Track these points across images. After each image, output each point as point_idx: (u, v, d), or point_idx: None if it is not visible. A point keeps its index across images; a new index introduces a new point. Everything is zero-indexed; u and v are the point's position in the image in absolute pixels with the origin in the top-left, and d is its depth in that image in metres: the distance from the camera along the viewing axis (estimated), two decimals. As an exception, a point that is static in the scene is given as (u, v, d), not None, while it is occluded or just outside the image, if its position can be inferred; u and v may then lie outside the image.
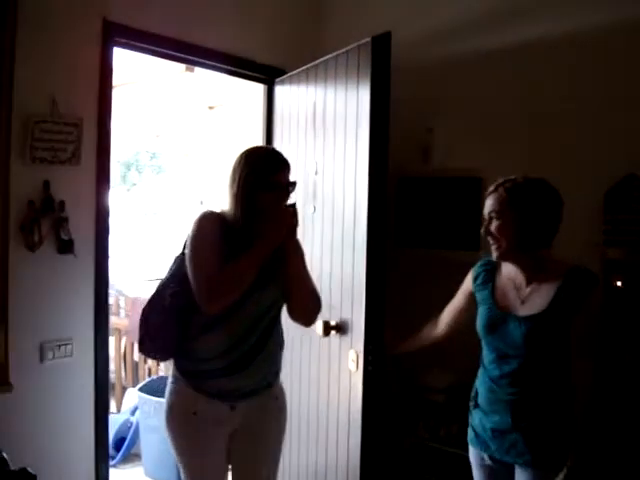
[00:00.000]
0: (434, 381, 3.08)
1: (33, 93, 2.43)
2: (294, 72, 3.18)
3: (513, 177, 2.07)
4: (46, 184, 2.49)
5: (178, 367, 2.17)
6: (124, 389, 4.88)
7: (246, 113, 3.90)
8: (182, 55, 3.05)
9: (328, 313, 2.35)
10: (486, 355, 2.16)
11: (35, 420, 2.52)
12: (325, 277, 2.28)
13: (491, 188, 2.10)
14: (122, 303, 5.48)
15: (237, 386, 2.11)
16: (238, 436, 2.20)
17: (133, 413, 4.25)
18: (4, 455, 1.88)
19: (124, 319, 5.23)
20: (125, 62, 4.01)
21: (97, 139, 2.67)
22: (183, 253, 2.15)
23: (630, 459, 2.47)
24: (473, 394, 2.22)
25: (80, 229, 2.61)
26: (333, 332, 2.74)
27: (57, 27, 2.49)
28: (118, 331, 5.02)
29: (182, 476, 2.22)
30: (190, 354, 2.13)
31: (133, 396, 4.37)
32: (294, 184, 2.15)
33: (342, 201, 2.75)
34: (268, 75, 3.42)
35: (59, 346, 2.58)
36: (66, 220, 2.54)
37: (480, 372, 2.20)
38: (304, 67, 3.06)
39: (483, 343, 2.17)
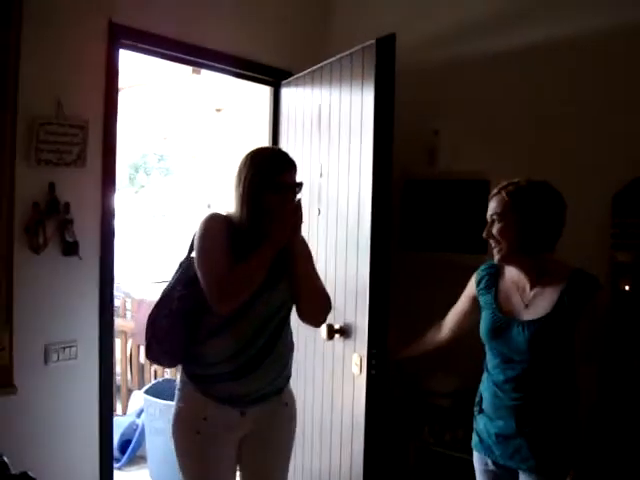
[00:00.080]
0: (439, 385, 3.06)
1: (38, 95, 2.43)
2: (300, 74, 3.18)
3: (516, 180, 2.06)
4: (51, 186, 2.49)
5: (186, 371, 2.15)
6: (130, 391, 4.88)
7: (253, 115, 3.89)
8: (188, 57, 3.05)
9: (332, 316, 2.35)
10: (490, 360, 2.14)
11: (39, 422, 2.52)
12: (329, 280, 2.27)
13: (494, 191, 2.09)
14: (129, 305, 5.48)
15: (247, 391, 2.09)
16: (248, 442, 2.18)
17: (139, 415, 4.24)
18: (4, 459, 1.87)
19: (130, 321, 5.23)
20: (133, 64, 4.03)
21: (103, 141, 2.67)
22: (188, 258, 2.15)
23: (635, 465, 2.45)
24: (478, 399, 2.20)
25: (85, 231, 2.61)
26: (337, 335, 2.73)
27: (62, 29, 2.49)
28: (124, 333, 5.01)
29: None
30: (198, 358, 2.11)
31: (139, 398, 4.36)
32: (300, 185, 2.13)
33: (346, 204, 2.73)
34: (274, 77, 3.41)
35: (64, 348, 2.58)
36: (71, 222, 2.54)
37: (484, 377, 2.18)
38: (309, 69, 3.06)
39: (487, 348, 2.15)
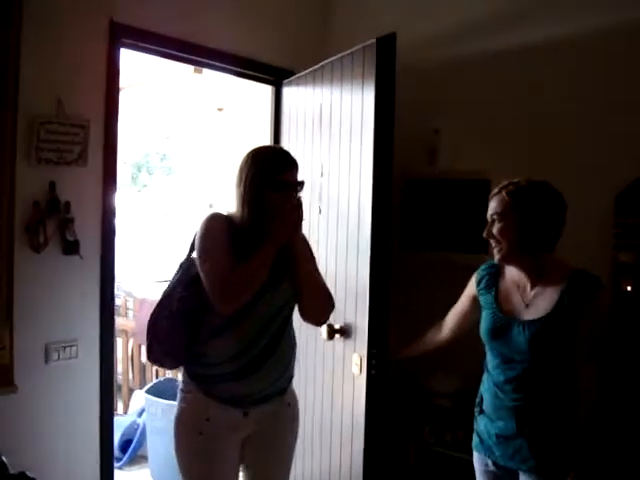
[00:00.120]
0: (440, 385, 3.06)
1: (39, 94, 2.43)
2: (301, 73, 3.17)
3: (517, 180, 2.06)
4: (52, 185, 2.49)
5: (188, 372, 2.14)
6: (131, 391, 4.88)
7: (254, 115, 3.89)
8: (189, 56, 3.05)
9: (332, 316, 2.34)
10: (490, 360, 2.14)
11: (40, 422, 2.52)
12: (330, 280, 2.27)
13: (494, 191, 2.09)
14: (130, 304, 5.48)
15: (249, 391, 2.08)
16: (251, 443, 2.17)
17: (140, 415, 4.24)
18: (3, 459, 1.87)
19: (132, 320, 5.23)
20: (135, 63, 4.02)
21: (104, 140, 2.67)
22: (188, 258, 2.14)
23: (635, 465, 2.44)
24: (478, 400, 2.20)
25: (86, 230, 2.61)
26: (337, 335, 2.72)
27: (63, 28, 2.49)
28: (125, 332, 5.01)
29: None
30: (200, 358, 2.09)
31: (140, 398, 4.36)
32: (302, 184, 2.11)
33: (347, 203, 2.73)
34: (276, 76, 3.41)
35: (64, 347, 2.57)
36: (72, 221, 2.54)
37: (484, 378, 2.18)
38: (311, 69, 3.06)
39: (487, 348, 2.15)
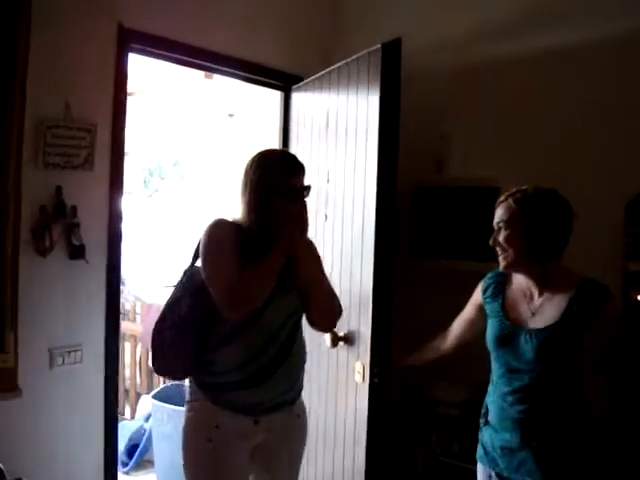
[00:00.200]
0: (447, 395, 3.03)
1: (46, 97, 2.43)
2: (309, 79, 3.17)
3: (524, 187, 2.04)
4: (58, 189, 2.49)
5: (196, 381, 2.11)
6: (139, 395, 4.88)
7: (265, 121, 3.88)
8: (198, 61, 3.04)
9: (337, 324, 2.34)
10: (495, 370, 2.11)
11: (44, 426, 2.52)
12: (334, 287, 2.26)
13: (501, 198, 2.08)
14: (139, 309, 5.48)
15: (259, 400, 2.04)
16: (260, 452, 2.13)
17: (147, 420, 4.23)
18: (0, 466, 1.85)
19: (140, 325, 5.23)
20: (147, 69, 4.05)
21: (111, 145, 2.67)
22: (192, 266, 2.11)
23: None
24: (483, 411, 2.17)
25: (92, 235, 2.60)
26: (341, 343, 2.70)
27: (72, 32, 2.49)
28: (134, 337, 5.01)
29: None
30: (208, 367, 2.06)
31: (147, 403, 4.35)
32: (309, 188, 2.08)
33: (351, 210, 2.72)
34: (285, 82, 3.41)
35: (69, 352, 2.57)
36: (78, 225, 2.54)
37: (490, 388, 2.15)
38: (318, 74, 3.05)
39: (492, 357, 2.12)
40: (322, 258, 2.26)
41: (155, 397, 3.96)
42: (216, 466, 2.04)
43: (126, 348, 5.03)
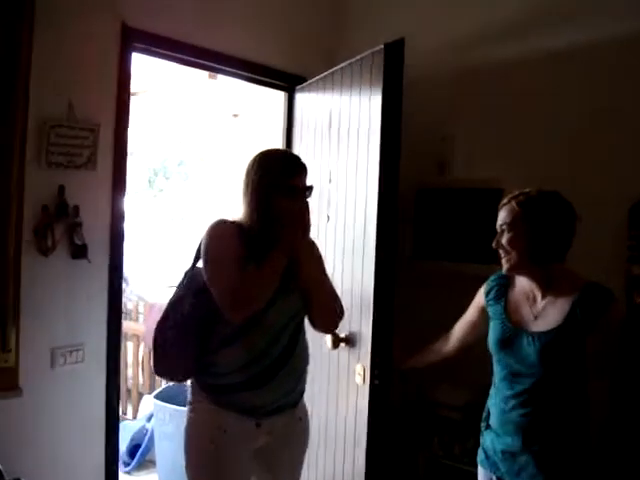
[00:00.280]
0: (449, 398, 3.02)
1: (50, 97, 2.42)
2: (312, 80, 3.16)
3: (527, 190, 2.03)
4: (61, 189, 2.48)
5: (198, 383, 2.10)
6: (141, 395, 4.87)
7: (269, 121, 3.88)
8: (202, 61, 3.03)
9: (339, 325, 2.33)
10: (497, 373, 2.10)
11: (45, 426, 2.51)
12: (336, 288, 2.25)
13: (504, 200, 2.07)
14: (142, 309, 5.48)
15: (262, 402, 2.03)
16: (262, 455, 2.12)
17: (149, 420, 4.24)
18: (-1, 466, 1.85)
19: (142, 325, 5.23)
20: (151, 69, 4.04)
21: (114, 144, 2.66)
22: (194, 266, 2.10)
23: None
24: (485, 414, 2.16)
25: (94, 234, 2.60)
26: (342, 344, 2.69)
27: (75, 31, 2.47)
28: (137, 337, 5.01)
29: None
30: (210, 368, 2.05)
31: (149, 403, 4.36)
32: (311, 188, 2.07)
33: (353, 211, 2.71)
34: (289, 83, 3.40)
35: (70, 352, 2.56)
36: (80, 225, 2.53)
37: (492, 391, 2.14)
38: (321, 75, 3.05)
39: (494, 360, 2.11)
40: (324, 259, 2.26)
41: (157, 397, 3.96)
42: (218, 468, 2.03)
43: (128, 348, 5.03)
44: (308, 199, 2.07)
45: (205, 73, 4.16)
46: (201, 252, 2.03)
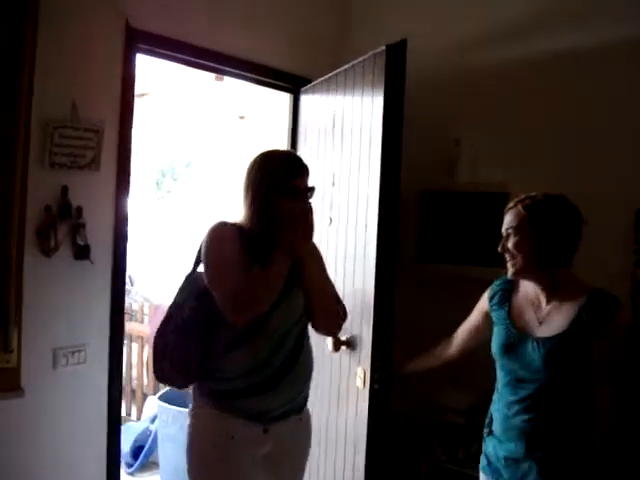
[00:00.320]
0: (453, 402, 3.00)
1: (53, 97, 2.41)
2: (317, 81, 3.15)
3: (533, 194, 2.02)
4: (64, 189, 2.48)
5: (201, 389, 2.06)
6: (145, 396, 4.87)
7: (275, 123, 3.87)
8: (207, 63, 3.02)
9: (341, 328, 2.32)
10: (501, 378, 2.08)
11: (46, 427, 2.50)
12: (338, 291, 2.23)
13: (510, 204, 2.06)
14: (147, 310, 5.48)
15: (267, 408, 2.00)
16: (268, 461, 2.08)
17: (153, 421, 4.24)
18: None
19: (147, 326, 5.23)
20: (158, 70, 4.04)
21: (118, 145, 2.65)
22: (195, 270, 2.08)
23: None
24: (488, 420, 2.14)
25: (97, 235, 2.59)
26: (343, 348, 2.68)
27: (78, 31, 2.47)
28: (141, 338, 5.01)
29: None
30: (214, 374, 2.01)
31: (153, 404, 4.36)
32: (313, 190, 2.04)
33: (355, 214, 2.69)
34: (294, 84, 3.39)
35: (72, 352, 2.55)
36: (83, 226, 2.52)
37: (495, 397, 2.12)
38: (325, 76, 3.03)
39: (498, 366, 2.09)
40: (326, 261, 2.23)
41: (161, 398, 3.96)
42: (221, 473, 2.00)
43: (133, 349, 5.03)
44: (310, 200, 2.04)
45: (212, 75, 4.16)
46: (201, 255, 2.01)
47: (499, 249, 2.05)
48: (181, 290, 2.09)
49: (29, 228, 2.38)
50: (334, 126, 2.94)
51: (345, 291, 2.65)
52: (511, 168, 2.98)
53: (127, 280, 2.86)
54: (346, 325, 2.21)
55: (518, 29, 2.99)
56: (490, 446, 2.09)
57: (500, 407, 2.06)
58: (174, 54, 2.86)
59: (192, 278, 2.07)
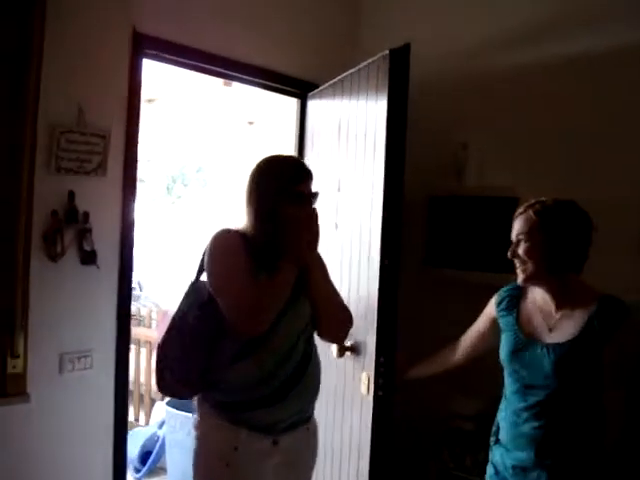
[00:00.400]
0: (461, 408, 2.97)
1: (60, 102, 2.41)
2: (323, 87, 3.14)
3: (543, 199, 2.00)
4: (71, 194, 2.48)
5: (207, 401, 2.01)
6: (153, 401, 4.87)
7: (283, 128, 3.87)
8: (214, 68, 3.02)
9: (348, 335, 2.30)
10: (509, 385, 2.06)
11: (53, 432, 2.50)
12: (343, 296, 2.21)
13: (520, 210, 2.04)
14: (155, 315, 5.49)
15: (276, 420, 1.96)
16: (276, 472, 2.02)
17: (161, 427, 4.23)
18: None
19: (156, 331, 5.23)
20: (167, 76, 4.05)
21: (124, 151, 2.65)
22: (197, 279, 2.04)
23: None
24: (494, 429, 2.12)
25: (104, 241, 2.59)
26: (348, 353, 2.66)
27: (86, 36, 2.47)
28: (149, 343, 5.01)
29: None
30: (220, 385, 1.97)
31: (161, 409, 4.36)
32: (317, 195, 2.01)
33: (359, 220, 2.68)
34: (301, 89, 3.38)
35: (79, 358, 2.55)
36: (90, 231, 2.52)
37: (502, 405, 2.09)
38: (331, 81, 3.03)
39: (506, 372, 2.07)
40: (330, 267, 2.19)
41: (169, 404, 3.96)
42: None
43: (142, 354, 5.03)
44: (315, 206, 2.01)
45: (220, 80, 4.16)
46: (205, 264, 1.97)
47: (509, 255, 2.04)
48: (187, 296, 2.05)
49: (35, 233, 2.38)
50: (340, 131, 2.93)
51: (350, 296, 2.63)
52: (518, 172, 2.96)
53: (136, 285, 2.85)
54: (351, 330, 2.19)
55: (526, 33, 2.97)
56: (497, 455, 2.06)
57: (508, 415, 2.03)
58: (181, 59, 2.86)
59: (196, 287, 2.03)
